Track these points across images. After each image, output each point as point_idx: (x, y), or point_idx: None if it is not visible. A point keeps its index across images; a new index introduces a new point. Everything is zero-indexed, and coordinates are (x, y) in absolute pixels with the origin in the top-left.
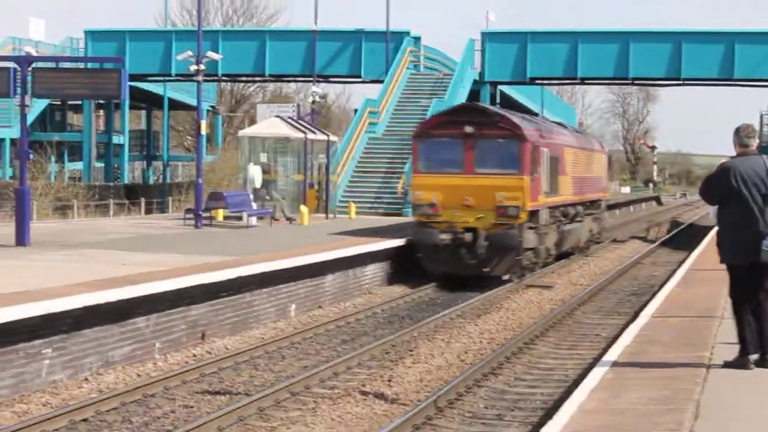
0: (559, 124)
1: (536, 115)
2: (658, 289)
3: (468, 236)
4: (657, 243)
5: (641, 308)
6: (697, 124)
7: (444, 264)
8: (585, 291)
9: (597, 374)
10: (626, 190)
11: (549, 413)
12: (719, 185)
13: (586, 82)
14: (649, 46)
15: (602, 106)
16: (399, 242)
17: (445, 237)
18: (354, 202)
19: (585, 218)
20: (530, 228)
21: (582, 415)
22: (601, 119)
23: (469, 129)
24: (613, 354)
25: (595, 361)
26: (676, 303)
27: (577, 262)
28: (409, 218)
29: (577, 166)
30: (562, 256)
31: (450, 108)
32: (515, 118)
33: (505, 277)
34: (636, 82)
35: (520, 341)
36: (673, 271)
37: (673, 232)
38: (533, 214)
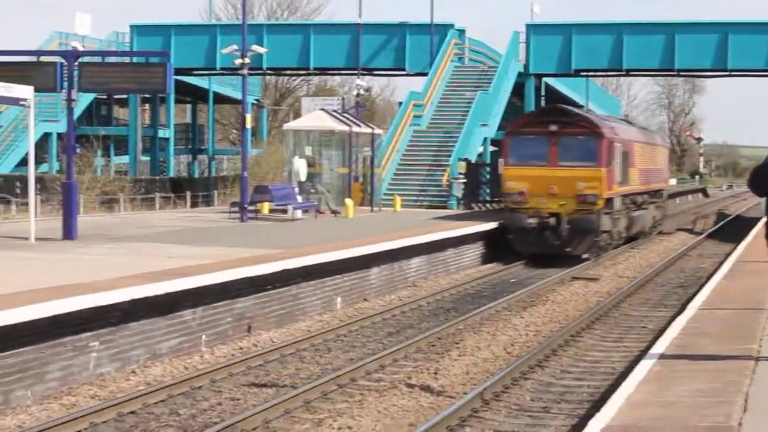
0: (627, 121)
1: (581, 107)
2: (706, 281)
3: (552, 220)
4: (704, 235)
5: (688, 300)
6: (744, 116)
7: (531, 245)
8: (631, 283)
9: (645, 366)
10: (673, 181)
11: (596, 406)
12: (767, 177)
13: (631, 73)
14: (695, 37)
15: (648, 98)
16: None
17: (533, 221)
18: (399, 194)
19: (650, 206)
20: (606, 213)
21: (630, 408)
22: (647, 111)
23: (553, 127)
24: (660, 346)
25: (642, 354)
26: (724, 295)
27: (623, 254)
28: (454, 210)
29: (643, 159)
30: (631, 239)
31: (537, 110)
32: (593, 117)
33: (584, 256)
34: (682, 73)
35: (567, 334)
36: (721, 263)
37: (720, 224)
38: (609, 201)
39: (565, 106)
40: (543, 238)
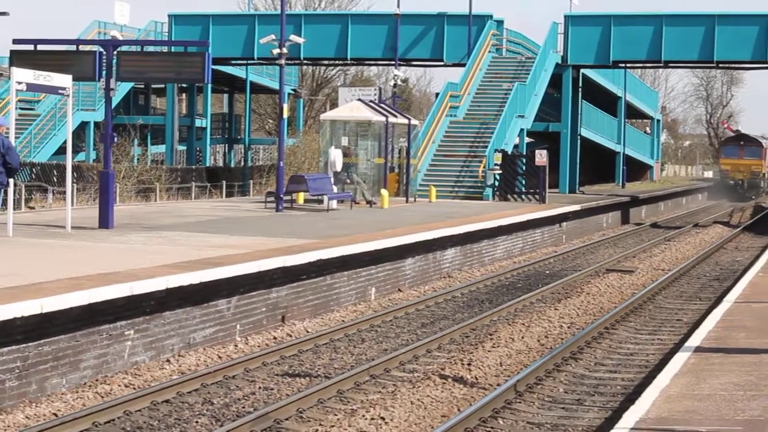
0: (765, 138)
1: (619, 98)
2: (742, 275)
3: (740, 182)
4: (740, 228)
5: (724, 293)
6: None
7: (728, 194)
8: (666, 276)
9: (680, 359)
10: (710, 174)
11: (630, 398)
12: None
13: (669, 65)
14: (735, 29)
15: (685, 90)
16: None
17: (732, 182)
18: (434, 185)
19: None
20: (763, 180)
21: (665, 401)
22: (685, 103)
23: (741, 142)
24: (696, 339)
25: (677, 347)
26: (760, 288)
27: (659, 246)
28: (490, 201)
29: None
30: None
31: (733, 135)
32: (759, 138)
33: (753, 198)
34: (720, 65)
35: (601, 326)
36: (757, 257)
37: (757, 217)
38: (764, 175)
39: (747, 133)
40: (735, 190)
